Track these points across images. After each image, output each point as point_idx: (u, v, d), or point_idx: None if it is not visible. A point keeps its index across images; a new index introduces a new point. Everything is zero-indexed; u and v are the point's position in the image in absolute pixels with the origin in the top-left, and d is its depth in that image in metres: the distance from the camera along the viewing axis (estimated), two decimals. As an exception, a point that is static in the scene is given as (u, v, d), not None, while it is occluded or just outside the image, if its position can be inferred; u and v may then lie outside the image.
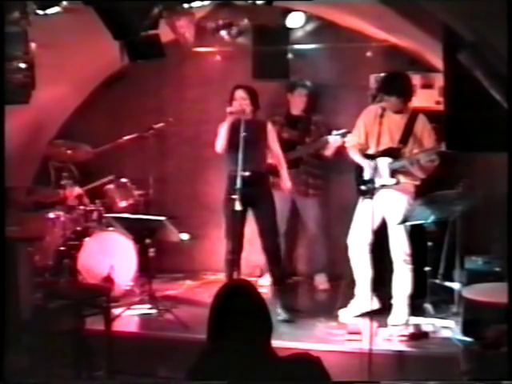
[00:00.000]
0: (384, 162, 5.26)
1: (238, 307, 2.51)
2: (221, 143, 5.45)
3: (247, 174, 5.31)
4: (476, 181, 5.38)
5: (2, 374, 4.02)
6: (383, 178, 5.26)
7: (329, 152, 6.22)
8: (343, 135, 5.91)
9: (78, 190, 6.26)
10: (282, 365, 2.45)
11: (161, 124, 6.53)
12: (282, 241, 6.14)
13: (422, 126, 5.27)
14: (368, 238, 5.33)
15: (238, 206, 5.14)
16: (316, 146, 6.30)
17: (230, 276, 5.37)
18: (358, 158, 5.45)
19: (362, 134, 5.47)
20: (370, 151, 5.38)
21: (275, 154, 5.71)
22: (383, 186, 5.24)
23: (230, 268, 5.42)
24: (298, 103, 6.46)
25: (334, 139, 6.06)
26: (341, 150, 6.07)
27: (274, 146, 5.68)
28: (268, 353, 2.49)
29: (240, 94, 5.50)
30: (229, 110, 5.42)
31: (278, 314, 5.40)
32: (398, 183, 5.27)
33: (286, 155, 6.05)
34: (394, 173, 5.27)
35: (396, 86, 5.28)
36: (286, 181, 5.73)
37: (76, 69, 6.14)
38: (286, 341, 4.66)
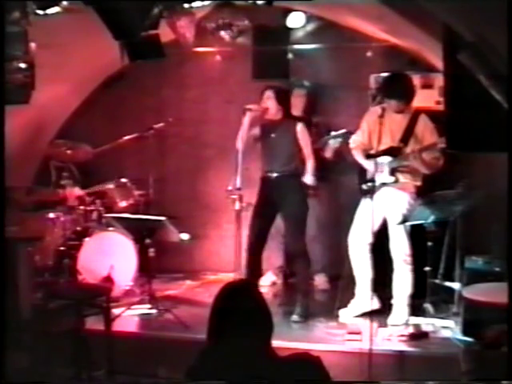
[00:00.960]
0: (384, 161, 5.26)
1: (239, 307, 2.51)
2: (239, 140, 5.42)
3: (275, 175, 5.33)
4: (476, 181, 5.39)
5: (2, 374, 4.02)
6: (383, 176, 5.26)
7: (328, 154, 6.21)
8: (342, 136, 5.90)
9: (78, 191, 6.27)
10: (281, 365, 2.45)
11: (161, 124, 6.52)
12: (281, 241, 6.17)
13: (424, 125, 5.27)
14: (368, 237, 5.33)
15: (237, 206, 5.15)
16: (316, 147, 6.29)
17: (248, 275, 5.35)
18: (360, 158, 5.46)
19: (365, 134, 5.47)
20: (373, 151, 5.38)
21: (306, 157, 5.53)
22: (383, 185, 5.25)
23: (247, 267, 5.42)
24: (296, 104, 6.43)
25: (333, 141, 6.05)
26: (341, 151, 6.07)
27: (305, 148, 5.50)
28: (268, 353, 2.49)
29: (267, 93, 5.45)
30: (247, 107, 5.41)
31: (293, 317, 5.46)
32: (396, 181, 5.27)
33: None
34: (394, 171, 5.27)
35: (396, 89, 5.28)
36: (308, 175, 5.48)
37: (76, 69, 6.14)
38: (286, 341, 4.66)
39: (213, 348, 2.53)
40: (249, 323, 2.50)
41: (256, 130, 5.53)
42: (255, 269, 5.45)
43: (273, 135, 5.37)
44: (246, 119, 5.38)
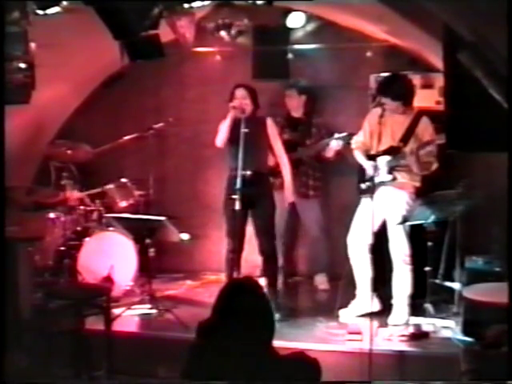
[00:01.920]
0: (383, 160, 5.26)
1: (242, 306, 2.51)
2: (221, 137, 5.46)
3: (248, 173, 5.32)
4: (476, 181, 5.39)
5: (2, 374, 4.02)
6: (381, 174, 5.26)
7: (330, 154, 6.21)
8: (344, 139, 5.91)
9: (77, 194, 6.27)
10: (279, 364, 2.46)
11: (161, 124, 6.53)
12: (281, 241, 6.16)
13: (424, 126, 5.27)
14: (368, 237, 5.33)
15: (237, 206, 5.16)
16: (317, 149, 6.30)
17: (230, 275, 5.37)
18: (361, 158, 5.46)
19: (366, 134, 5.48)
20: (373, 151, 5.38)
21: (277, 153, 5.64)
22: (381, 183, 5.24)
23: (230, 267, 5.43)
24: (291, 105, 6.45)
25: (335, 143, 6.06)
26: (341, 152, 6.07)
27: (275, 144, 5.60)
28: (268, 352, 2.49)
29: (241, 92, 5.51)
30: (231, 104, 5.43)
31: (276, 315, 5.42)
32: (394, 179, 5.27)
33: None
34: (392, 170, 5.26)
35: (392, 89, 5.28)
36: (287, 190, 5.58)
37: (76, 69, 6.14)
38: (286, 341, 4.65)
39: (213, 346, 2.52)
40: (252, 322, 2.49)
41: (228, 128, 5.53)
42: (236, 269, 5.44)
43: (244, 132, 5.37)
44: (230, 116, 5.41)
